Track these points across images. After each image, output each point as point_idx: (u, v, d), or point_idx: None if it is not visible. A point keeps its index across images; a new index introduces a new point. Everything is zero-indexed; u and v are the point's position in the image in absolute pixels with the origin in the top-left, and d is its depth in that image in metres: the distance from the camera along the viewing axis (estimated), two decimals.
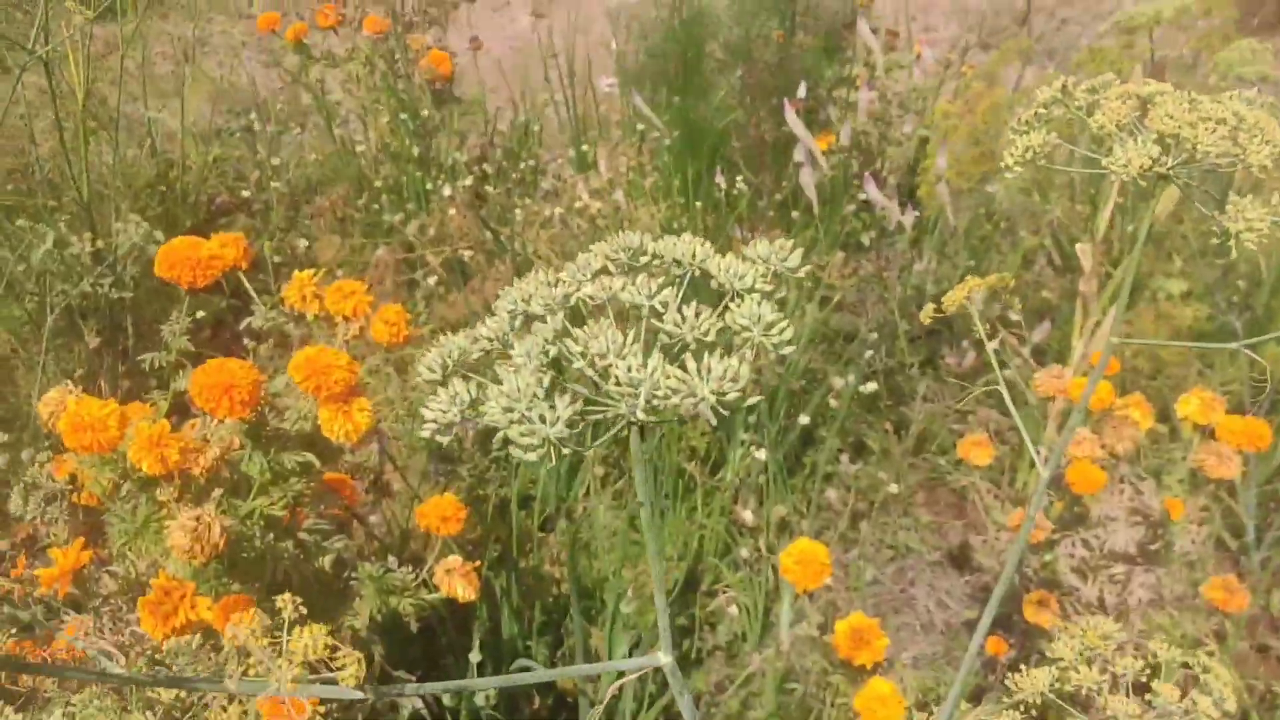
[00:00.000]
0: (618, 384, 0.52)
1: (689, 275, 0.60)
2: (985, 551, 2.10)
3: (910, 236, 2.65)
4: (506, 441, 0.52)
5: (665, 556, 1.88)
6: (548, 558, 1.83)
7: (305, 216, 2.80)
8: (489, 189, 2.73)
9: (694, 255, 0.61)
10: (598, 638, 1.65)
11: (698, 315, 0.56)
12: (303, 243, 2.55)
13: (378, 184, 2.73)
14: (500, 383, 0.54)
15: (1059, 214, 2.30)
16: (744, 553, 1.95)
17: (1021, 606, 1.70)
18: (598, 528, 1.83)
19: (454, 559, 1.34)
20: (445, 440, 0.57)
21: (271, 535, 1.29)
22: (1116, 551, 1.58)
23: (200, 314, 2.35)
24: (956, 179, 2.03)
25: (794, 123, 2.08)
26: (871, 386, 2.11)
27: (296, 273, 1.45)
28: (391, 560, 1.39)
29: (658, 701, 1.58)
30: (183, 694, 0.88)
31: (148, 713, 0.85)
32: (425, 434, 0.55)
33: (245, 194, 2.82)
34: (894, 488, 1.94)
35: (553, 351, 0.56)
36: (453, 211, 2.54)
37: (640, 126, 2.74)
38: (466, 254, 2.46)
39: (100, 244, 2.05)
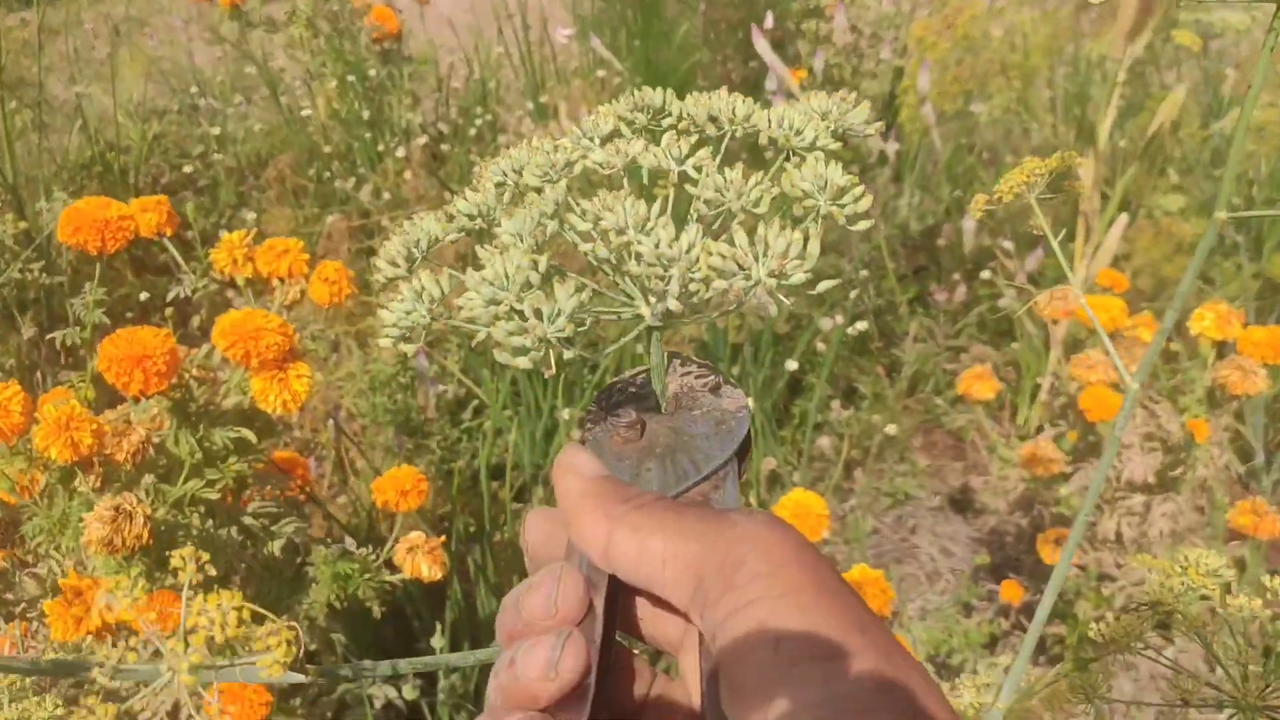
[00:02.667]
0: (643, 264, 0.40)
1: (728, 139, 0.48)
2: (988, 492, 1.99)
3: (889, 175, 2.53)
4: (490, 345, 0.39)
5: None
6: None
7: (255, 190, 2.65)
8: (445, 148, 2.59)
9: (735, 112, 0.48)
10: None
11: (746, 180, 0.44)
12: (251, 216, 2.41)
13: (327, 150, 2.59)
14: (481, 268, 0.41)
15: (1046, 134, 2.18)
16: None
17: (1034, 546, 1.59)
18: None
19: (416, 535, 1.22)
20: (410, 350, 0.43)
21: (211, 522, 1.17)
22: (1134, 481, 1.47)
23: (144, 295, 2.22)
24: (939, 99, 1.90)
25: (763, 50, 1.95)
26: (862, 326, 1.99)
27: (224, 234, 1.32)
28: (350, 542, 1.27)
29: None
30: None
31: None
32: (386, 342, 0.43)
33: (188, 169, 2.68)
34: (891, 429, 1.82)
35: (552, 228, 0.43)
36: (408, 174, 2.41)
37: (601, 73, 2.59)
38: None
39: (25, 224, 1.90)
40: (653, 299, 0.41)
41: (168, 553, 1.01)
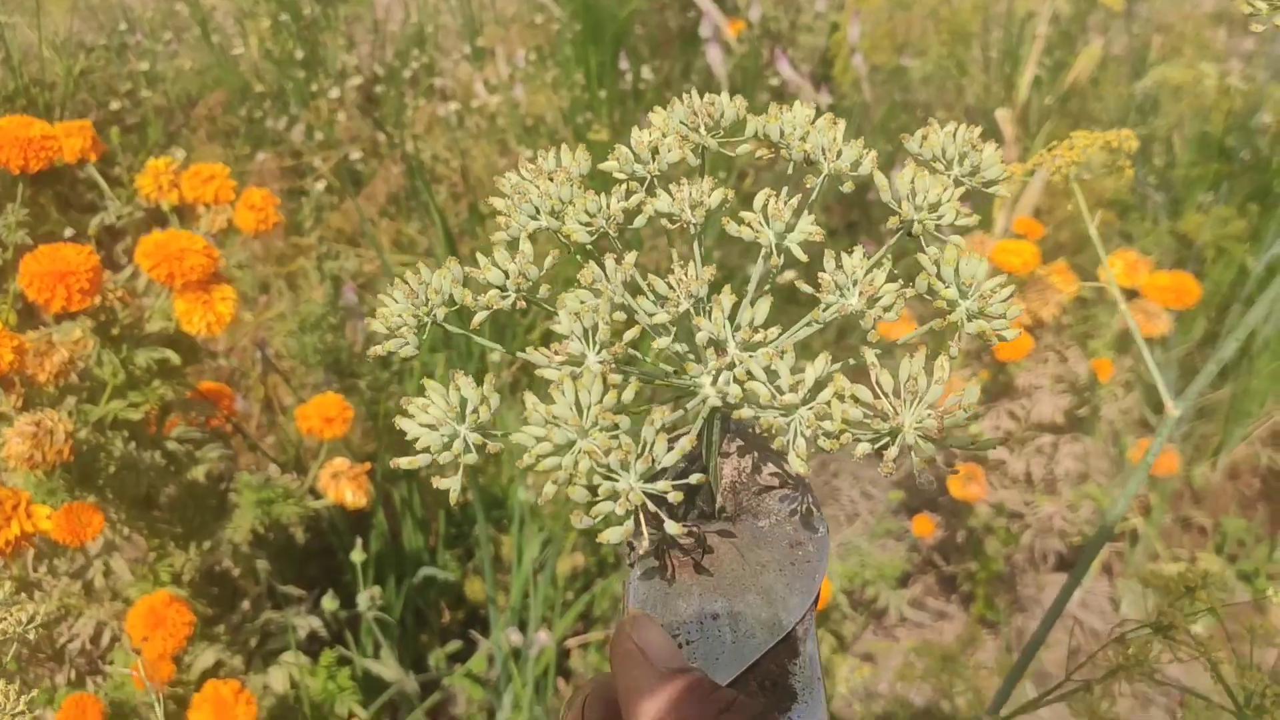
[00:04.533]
0: (750, 403, 0.31)
1: (823, 180, 0.38)
2: None
3: None
4: (559, 500, 0.33)
5: None
6: None
7: (185, 128, 2.61)
8: (380, 90, 2.57)
9: (836, 148, 0.37)
10: (507, 545, 1.56)
11: (868, 271, 0.34)
12: (180, 154, 2.38)
13: (259, 89, 2.55)
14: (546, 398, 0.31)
15: (978, 90, 2.23)
16: None
17: (947, 484, 1.64)
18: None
19: (340, 461, 1.23)
20: (455, 493, 0.35)
21: (134, 444, 1.17)
22: (1043, 422, 1.52)
23: (69, 232, 2.18)
24: (872, 53, 1.93)
25: (702, 1, 1.96)
26: (789, 275, 2.02)
27: (150, 160, 1.32)
28: (274, 469, 1.28)
29: (572, 608, 1.50)
30: None
31: None
32: (405, 464, 0.34)
33: (116, 106, 2.62)
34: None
35: (629, 336, 0.33)
36: (342, 115, 2.38)
37: (539, 18, 2.59)
38: (356, 157, 2.31)
39: None
40: (719, 376, 0.31)
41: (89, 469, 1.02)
